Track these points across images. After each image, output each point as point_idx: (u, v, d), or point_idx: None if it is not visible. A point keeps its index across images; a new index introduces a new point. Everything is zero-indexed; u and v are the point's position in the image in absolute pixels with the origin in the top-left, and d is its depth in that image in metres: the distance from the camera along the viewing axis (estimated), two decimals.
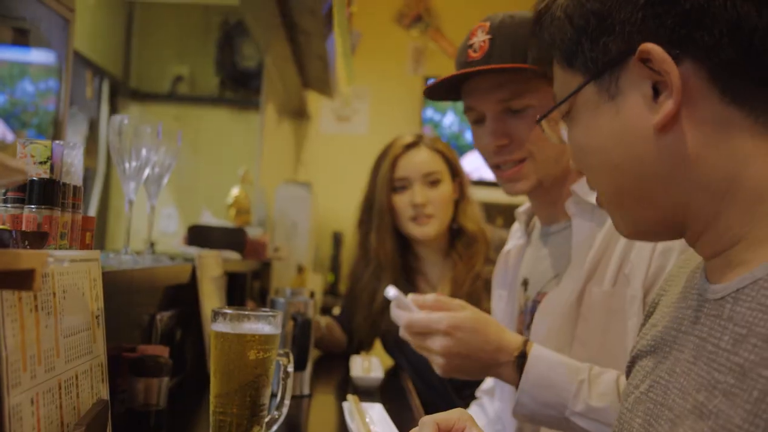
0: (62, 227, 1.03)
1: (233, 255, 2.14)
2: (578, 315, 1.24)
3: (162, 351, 1.30)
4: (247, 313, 1.08)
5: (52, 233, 0.97)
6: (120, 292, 1.25)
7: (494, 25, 1.28)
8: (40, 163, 0.98)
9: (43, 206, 0.96)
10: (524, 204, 1.46)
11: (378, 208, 2.12)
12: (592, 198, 1.25)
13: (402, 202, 2.10)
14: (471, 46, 1.30)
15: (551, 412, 1.14)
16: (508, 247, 1.49)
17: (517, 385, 1.15)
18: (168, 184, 3.78)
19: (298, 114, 4.26)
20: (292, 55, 2.73)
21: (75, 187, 1.06)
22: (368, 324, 2.14)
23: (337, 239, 4.14)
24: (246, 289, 2.09)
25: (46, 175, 0.98)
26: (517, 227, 1.50)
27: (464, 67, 1.30)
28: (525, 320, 1.36)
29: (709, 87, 0.66)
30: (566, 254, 1.30)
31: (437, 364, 1.16)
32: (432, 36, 4.39)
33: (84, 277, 0.96)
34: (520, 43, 1.25)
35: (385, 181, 2.12)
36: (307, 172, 4.20)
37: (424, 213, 2.07)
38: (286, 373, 1.15)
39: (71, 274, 0.91)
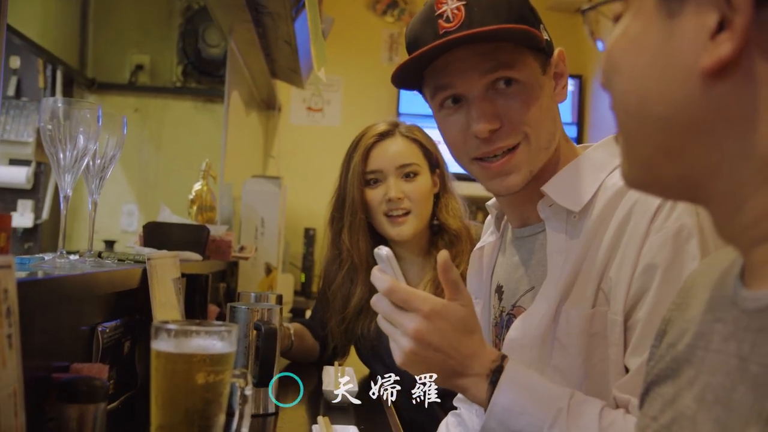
0: None
1: (193, 255, 1.95)
2: (554, 340, 1.08)
3: (100, 370, 1.12)
4: (194, 328, 0.91)
5: None
6: (49, 303, 1.07)
7: None
8: None
9: None
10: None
11: (350, 204, 1.92)
12: (566, 201, 1.09)
13: (375, 196, 1.91)
14: (441, 15, 1.09)
15: None
16: (480, 243, 1.34)
17: (485, 406, 0.98)
18: (129, 179, 3.62)
19: (267, 105, 4.07)
20: (258, 40, 2.55)
21: None
22: (342, 330, 1.97)
23: (310, 236, 3.96)
24: (208, 292, 1.91)
25: None
26: (489, 220, 1.34)
27: (437, 39, 1.08)
28: (499, 332, 1.21)
29: None
30: (542, 262, 1.14)
31: (401, 347, 0.96)
32: (407, 22, 4.23)
33: None
34: (502, 4, 1.07)
35: (356, 175, 1.92)
36: (277, 166, 4.01)
37: (400, 207, 1.89)
38: (244, 397, 0.98)
39: None
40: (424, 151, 1.95)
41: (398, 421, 1.42)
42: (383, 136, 1.95)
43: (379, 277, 0.99)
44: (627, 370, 1.02)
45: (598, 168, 1.12)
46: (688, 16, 0.54)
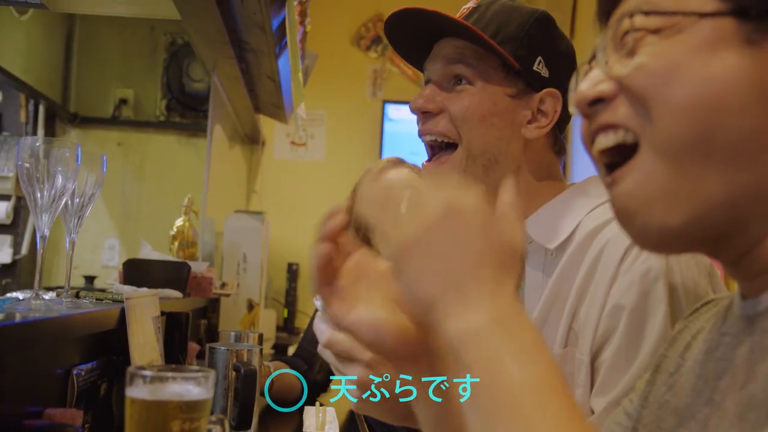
0: None
1: (173, 293, 1.93)
2: None
3: (74, 417, 1.10)
4: (170, 374, 0.89)
5: None
6: (23, 347, 1.05)
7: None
8: None
9: None
10: None
11: (355, 219, 1.97)
12: (543, 239, 1.10)
13: None
14: (460, 11, 1.19)
15: None
16: None
17: None
18: (111, 214, 3.58)
19: (251, 139, 4.07)
20: (241, 76, 2.55)
21: None
22: None
23: (293, 271, 3.93)
24: (188, 330, 1.88)
25: None
26: None
27: None
28: None
29: None
30: (521, 300, 1.14)
31: (350, 393, 0.96)
32: (390, 58, 4.25)
33: None
34: (499, 20, 1.14)
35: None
36: (260, 200, 3.99)
37: None
38: None
39: None
40: None
41: None
42: (397, 163, 2.03)
43: (319, 329, 0.97)
44: (593, 412, 1.01)
45: (578, 207, 1.12)
46: None
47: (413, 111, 1.18)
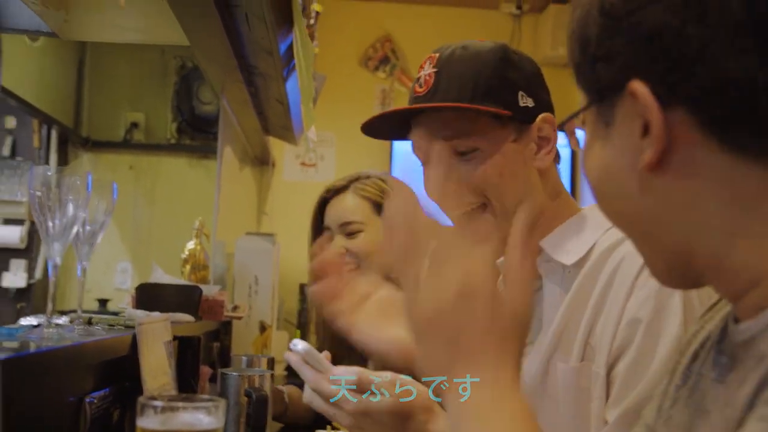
0: None
1: (185, 317, 1.93)
2: (544, 394, 1.08)
3: None
4: (181, 404, 0.89)
5: None
6: (35, 377, 1.05)
7: (443, 58, 1.15)
8: None
9: None
10: None
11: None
12: (561, 256, 1.11)
13: None
14: (418, 80, 1.18)
15: None
16: None
17: None
18: (123, 236, 3.59)
19: (261, 161, 4.09)
20: (250, 99, 2.57)
21: None
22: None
23: (305, 292, 3.93)
24: (200, 354, 1.89)
25: None
26: None
27: (411, 102, 1.18)
28: None
29: (704, 137, 0.57)
30: (539, 319, 1.15)
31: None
32: (398, 77, 4.27)
33: None
34: (469, 77, 1.12)
35: (312, 230, 2.05)
36: (271, 222, 4.00)
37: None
38: None
39: None
40: (376, 207, 1.97)
41: None
42: (337, 192, 2.01)
43: (305, 373, 1.02)
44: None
45: (595, 226, 1.14)
46: (620, 123, 0.61)
47: (431, 197, 1.16)
